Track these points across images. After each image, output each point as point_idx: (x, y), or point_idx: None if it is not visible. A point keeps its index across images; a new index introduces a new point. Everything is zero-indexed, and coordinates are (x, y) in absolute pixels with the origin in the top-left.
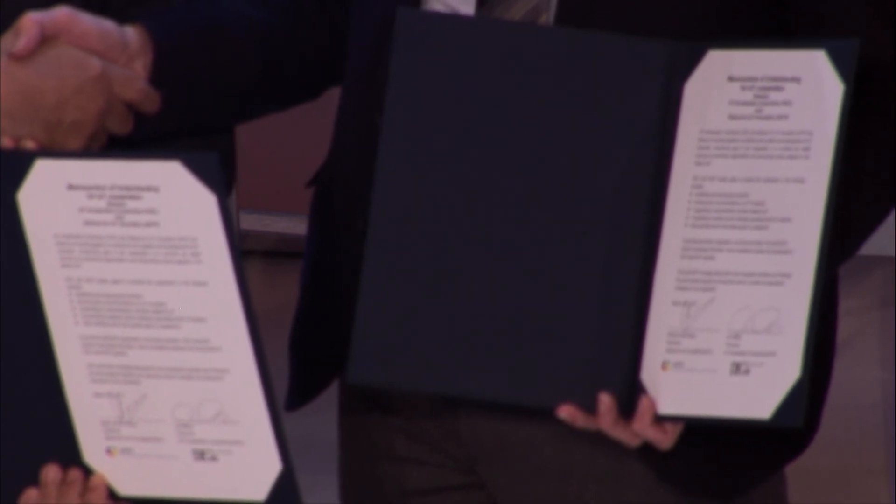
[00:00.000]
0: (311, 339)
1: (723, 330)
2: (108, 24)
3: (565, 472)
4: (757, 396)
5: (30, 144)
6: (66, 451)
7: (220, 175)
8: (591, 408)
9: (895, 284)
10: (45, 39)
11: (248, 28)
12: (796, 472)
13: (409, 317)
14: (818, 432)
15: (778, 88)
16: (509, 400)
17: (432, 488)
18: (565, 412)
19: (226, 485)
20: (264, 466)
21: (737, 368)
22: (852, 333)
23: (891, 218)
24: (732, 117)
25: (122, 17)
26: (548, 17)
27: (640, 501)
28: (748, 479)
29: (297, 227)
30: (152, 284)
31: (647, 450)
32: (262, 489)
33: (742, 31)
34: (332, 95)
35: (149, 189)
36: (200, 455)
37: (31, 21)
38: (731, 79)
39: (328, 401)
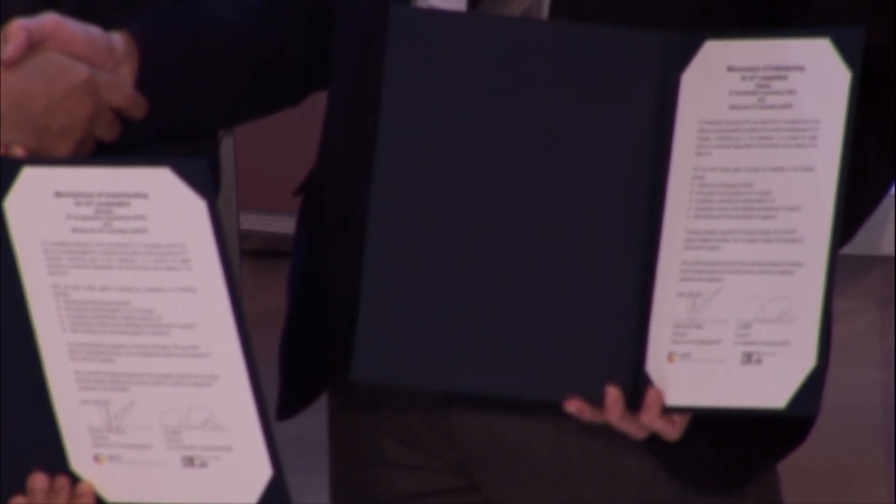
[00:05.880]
0: (301, 347)
1: (731, 320)
2: (94, 30)
3: (561, 472)
4: (770, 386)
5: (18, 151)
6: (53, 458)
7: (209, 181)
8: (597, 401)
9: (895, 284)
10: (33, 46)
11: (232, 33)
12: (797, 472)
13: (412, 313)
14: (819, 433)
15: (781, 77)
16: (515, 396)
17: (424, 492)
18: (573, 406)
19: (216, 490)
20: (254, 472)
21: (748, 358)
22: (852, 333)
23: (891, 218)
24: (733, 107)
25: (107, 23)
26: (541, 14)
27: (637, 500)
28: (746, 473)
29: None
30: (140, 291)
31: (643, 447)
32: (253, 494)
33: (731, 23)
34: None
35: (138, 196)
36: (190, 461)
37: (19, 27)
38: (730, 69)
39: (320, 400)
